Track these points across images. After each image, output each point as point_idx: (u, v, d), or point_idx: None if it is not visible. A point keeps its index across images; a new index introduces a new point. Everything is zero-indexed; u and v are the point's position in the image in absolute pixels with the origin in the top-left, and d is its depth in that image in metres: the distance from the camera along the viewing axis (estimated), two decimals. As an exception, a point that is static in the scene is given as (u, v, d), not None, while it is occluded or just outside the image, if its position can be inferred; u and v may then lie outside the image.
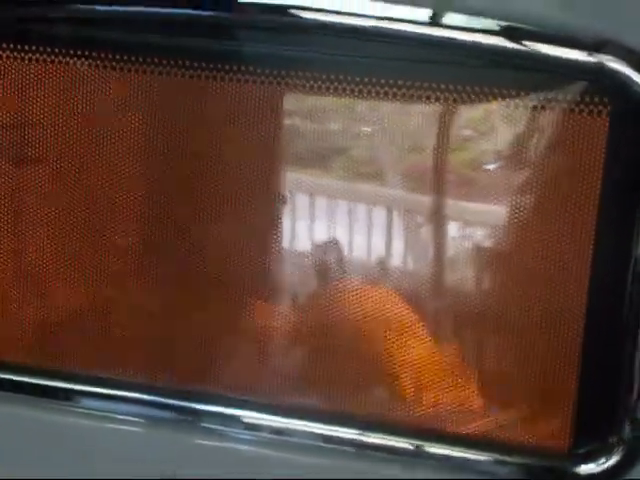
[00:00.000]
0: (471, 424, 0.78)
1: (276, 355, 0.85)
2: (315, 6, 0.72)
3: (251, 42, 0.75)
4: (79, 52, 0.76)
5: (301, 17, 0.72)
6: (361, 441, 0.75)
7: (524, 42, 0.68)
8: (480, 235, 0.80)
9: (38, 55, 0.77)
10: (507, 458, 0.73)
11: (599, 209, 0.69)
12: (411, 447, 0.74)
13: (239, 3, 0.74)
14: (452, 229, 0.82)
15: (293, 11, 0.72)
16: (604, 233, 0.69)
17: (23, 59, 0.78)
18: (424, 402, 0.81)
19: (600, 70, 0.66)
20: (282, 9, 0.72)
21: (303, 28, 0.73)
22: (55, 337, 0.85)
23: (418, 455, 0.74)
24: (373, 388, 0.82)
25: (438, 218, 0.81)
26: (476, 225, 0.80)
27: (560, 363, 0.74)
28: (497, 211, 0.78)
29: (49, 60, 0.77)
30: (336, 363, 0.83)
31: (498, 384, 0.80)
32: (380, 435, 0.75)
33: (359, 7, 0.72)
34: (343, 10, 0.72)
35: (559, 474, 0.73)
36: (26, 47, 0.77)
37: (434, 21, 0.71)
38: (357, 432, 0.75)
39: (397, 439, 0.75)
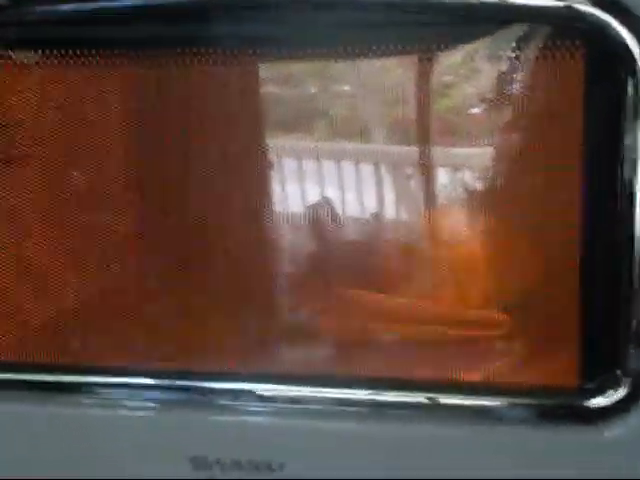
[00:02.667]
0: (481, 370, 0.80)
1: (279, 323, 0.86)
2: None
3: (219, 21, 0.74)
4: (48, 51, 0.76)
5: None
6: (374, 400, 0.76)
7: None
8: (470, 178, 0.81)
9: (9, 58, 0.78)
10: (518, 401, 0.75)
11: (584, 140, 0.69)
12: (425, 400, 0.76)
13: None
14: (442, 176, 0.82)
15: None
16: (592, 159, 0.69)
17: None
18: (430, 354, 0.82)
19: (570, 14, 0.66)
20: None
21: (269, 2, 0.73)
22: (56, 331, 0.86)
23: (431, 408, 0.76)
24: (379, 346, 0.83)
25: (427, 166, 0.82)
26: (466, 169, 0.81)
27: (561, 298, 0.75)
28: (487, 154, 0.78)
29: (22, 61, 0.78)
30: (338, 323, 0.84)
31: (502, 325, 0.81)
32: (393, 392, 0.77)
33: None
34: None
35: (570, 410, 0.73)
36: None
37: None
38: (369, 392, 0.76)
39: (409, 394, 0.76)
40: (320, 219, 0.85)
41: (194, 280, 0.86)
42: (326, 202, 0.86)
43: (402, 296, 0.85)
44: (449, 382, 0.76)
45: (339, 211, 0.85)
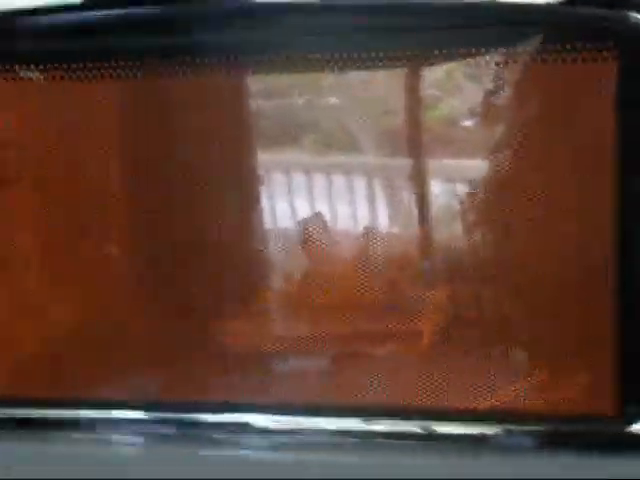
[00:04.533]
0: (507, 395, 0.77)
1: (273, 353, 0.84)
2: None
3: (203, 31, 0.73)
4: (34, 66, 0.75)
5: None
6: (369, 430, 0.74)
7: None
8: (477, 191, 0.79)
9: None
10: (554, 428, 0.70)
11: (615, 155, 0.67)
12: (423, 431, 0.73)
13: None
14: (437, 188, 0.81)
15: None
16: (624, 178, 0.67)
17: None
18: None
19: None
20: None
21: (252, 11, 0.71)
22: (44, 365, 0.84)
23: (430, 437, 0.73)
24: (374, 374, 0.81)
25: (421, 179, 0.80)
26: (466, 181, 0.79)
27: (594, 319, 0.71)
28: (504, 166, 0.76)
29: (9, 77, 0.76)
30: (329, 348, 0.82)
31: (528, 347, 0.78)
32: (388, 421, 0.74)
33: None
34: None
35: (611, 436, 0.69)
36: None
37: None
38: (363, 421, 0.74)
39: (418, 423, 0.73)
40: (311, 234, 0.83)
41: (185, 304, 0.84)
42: (317, 216, 0.84)
43: (397, 315, 0.82)
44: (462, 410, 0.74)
45: (330, 225, 0.83)
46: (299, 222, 0.83)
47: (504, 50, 0.69)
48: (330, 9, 0.70)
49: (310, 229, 0.83)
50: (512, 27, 0.68)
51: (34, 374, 0.83)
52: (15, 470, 0.77)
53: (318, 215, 0.83)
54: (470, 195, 0.79)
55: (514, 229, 0.78)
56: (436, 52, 0.70)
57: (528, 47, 0.68)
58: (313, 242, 0.83)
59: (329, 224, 0.83)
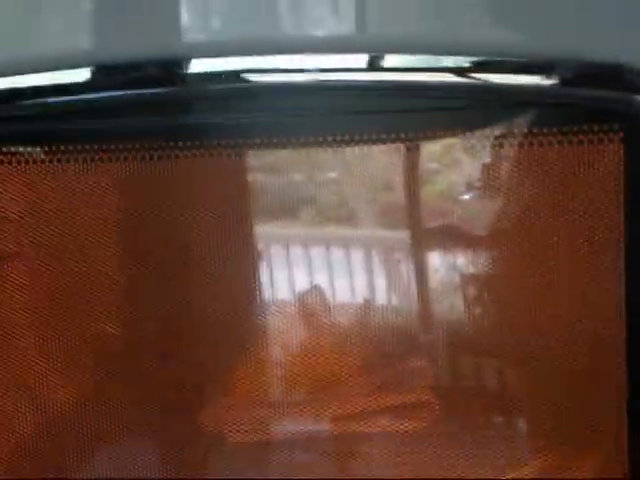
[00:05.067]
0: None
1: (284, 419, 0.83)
2: (263, 67, 0.70)
3: (202, 112, 0.73)
4: (38, 147, 0.75)
5: (250, 81, 0.72)
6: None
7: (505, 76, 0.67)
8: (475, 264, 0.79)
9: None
10: None
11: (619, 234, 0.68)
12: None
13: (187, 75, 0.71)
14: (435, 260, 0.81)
15: (244, 76, 0.71)
16: (630, 256, 0.68)
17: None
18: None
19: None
20: (233, 75, 0.71)
21: (253, 92, 0.72)
22: (45, 447, 0.82)
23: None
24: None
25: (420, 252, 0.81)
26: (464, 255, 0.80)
27: (608, 392, 0.72)
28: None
29: (14, 159, 0.75)
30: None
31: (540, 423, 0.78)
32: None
33: (302, 63, 0.71)
34: (290, 68, 0.71)
35: None
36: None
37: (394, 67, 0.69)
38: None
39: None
40: (310, 306, 0.83)
41: (186, 377, 0.83)
42: (316, 289, 0.84)
43: (401, 389, 0.82)
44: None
45: (329, 298, 0.83)
46: (297, 295, 0.83)
47: (504, 130, 0.70)
48: (326, 89, 0.71)
49: (308, 302, 0.83)
50: (512, 108, 0.69)
51: (32, 456, 0.81)
52: None
53: (316, 288, 0.83)
54: (469, 268, 0.79)
55: (515, 302, 0.78)
56: (434, 133, 0.71)
57: (528, 127, 0.69)
58: (311, 315, 0.83)
59: (327, 297, 0.83)
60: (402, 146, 0.75)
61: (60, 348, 0.82)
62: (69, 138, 0.74)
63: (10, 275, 0.80)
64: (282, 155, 0.79)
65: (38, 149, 0.75)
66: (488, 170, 0.74)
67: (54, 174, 0.76)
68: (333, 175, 0.82)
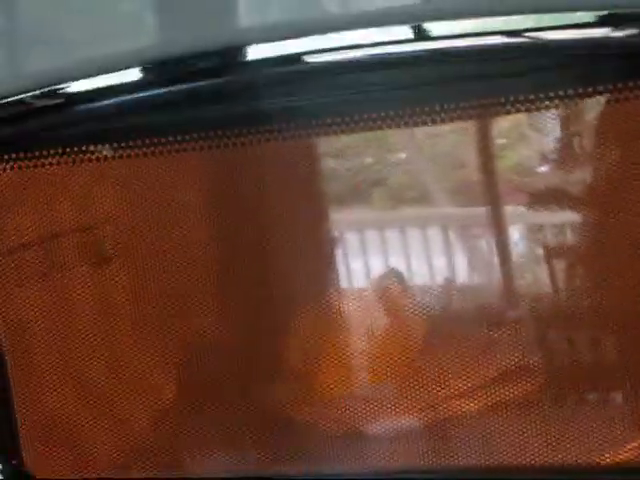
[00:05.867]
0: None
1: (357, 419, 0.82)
2: (322, 47, 0.70)
3: (270, 98, 0.73)
4: (123, 143, 0.77)
5: (313, 62, 0.71)
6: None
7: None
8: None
9: (90, 155, 0.78)
10: None
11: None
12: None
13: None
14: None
15: (306, 58, 0.71)
16: None
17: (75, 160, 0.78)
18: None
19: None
20: (295, 58, 0.70)
21: (319, 72, 0.71)
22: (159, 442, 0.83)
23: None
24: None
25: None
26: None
27: None
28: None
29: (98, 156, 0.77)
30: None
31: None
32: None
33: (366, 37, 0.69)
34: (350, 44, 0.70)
35: None
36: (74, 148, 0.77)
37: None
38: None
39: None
40: (388, 290, 0.82)
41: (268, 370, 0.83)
42: (393, 273, 0.83)
43: (488, 368, 0.80)
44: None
45: (407, 280, 0.82)
46: (374, 279, 0.82)
47: (579, 90, 0.68)
48: (395, 62, 0.70)
49: (386, 285, 0.82)
50: (587, 65, 0.66)
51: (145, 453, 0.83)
52: None
53: (393, 271, 0.83)
54: (551, 241, 0.78)
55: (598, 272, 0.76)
56: (506, 99, 0.69)
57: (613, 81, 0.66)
58: (389, 298, 0.82)
59: (405, 279, 0.82)
60: (475, 117, 0.74)
61: (164, 346, 0.83)
62: (151, 133, 0.75)
63: (113, 277, 0.82)
64: (352, 139, 0.79)
65: (126, 145, 0.76)
66: (569, 135, 0.72)
67: (143, 170, 0.78)
68: (404, 155, 0.81)
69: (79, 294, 0.82)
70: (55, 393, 0.83)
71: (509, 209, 0.79)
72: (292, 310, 0.83)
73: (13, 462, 0.82)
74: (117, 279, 0.83)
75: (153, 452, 0.83)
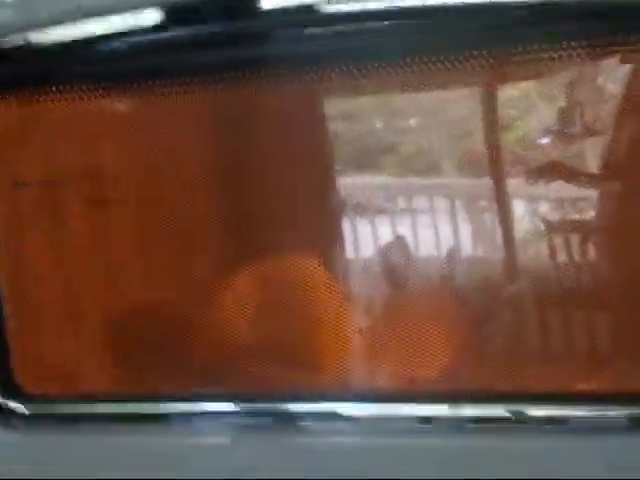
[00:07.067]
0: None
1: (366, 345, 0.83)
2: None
3: (279, 43, 0.75)
4: (127, 84, 0.78)
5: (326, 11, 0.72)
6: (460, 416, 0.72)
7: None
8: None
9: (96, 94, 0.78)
10: None
11: None
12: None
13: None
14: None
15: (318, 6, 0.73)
16: None
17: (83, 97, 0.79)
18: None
19: None
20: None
21: (331, 21, 0.73)
22: (135, 359, 0.84)
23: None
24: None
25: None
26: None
27: None
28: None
29: (113, 97, 0.79)
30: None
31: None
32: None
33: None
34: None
35: None
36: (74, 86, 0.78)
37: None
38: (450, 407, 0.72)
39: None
40: (394, 258, 0.83)
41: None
42: (399, 241, 0.84)
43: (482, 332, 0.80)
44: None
45: (413, 249, 0.82)
46: (381, 246, 0.83)
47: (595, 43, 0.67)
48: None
49: (392, 253, 0.83)
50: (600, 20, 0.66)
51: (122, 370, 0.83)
52: (121, 462, 0.77)
53: (400, 239, 0.83)
54: (556, 213, 0.78)
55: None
56: (521, 49, 0.69)
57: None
58: (396, 266, 0.82)
59: (411, 247, 0.82)
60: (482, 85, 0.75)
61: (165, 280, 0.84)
62: (158, 75, 0.76)
63: (114, 219, 0.84)
64: (360, 102, 0.81)
65: (128, 86, 0.78)
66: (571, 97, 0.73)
67: (147, 109, 0.79)
68: (412, 122, 0.83)
69: (80, 229, 0.84)
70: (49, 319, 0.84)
71: (519, 179, 0.80)
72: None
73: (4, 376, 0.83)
74: (119, 217, 0.84)
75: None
